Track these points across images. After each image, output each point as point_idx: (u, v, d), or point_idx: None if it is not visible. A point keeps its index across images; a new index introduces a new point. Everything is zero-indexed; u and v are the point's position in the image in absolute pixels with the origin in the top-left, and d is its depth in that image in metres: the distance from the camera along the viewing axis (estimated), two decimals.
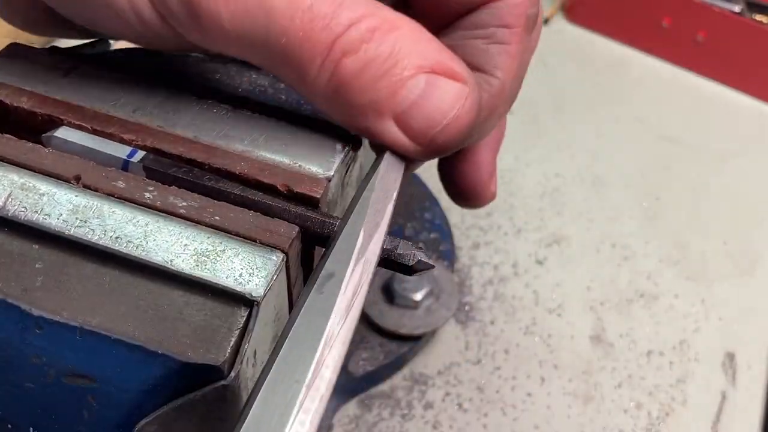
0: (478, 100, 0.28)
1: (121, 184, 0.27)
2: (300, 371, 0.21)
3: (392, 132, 0.27)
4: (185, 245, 0.26)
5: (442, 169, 0.37)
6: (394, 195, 0.26)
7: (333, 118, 0.28)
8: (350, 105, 0.26)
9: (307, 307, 0.23)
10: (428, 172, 0.65)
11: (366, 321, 0.52)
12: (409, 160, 0.28)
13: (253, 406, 0.21)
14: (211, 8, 0.25)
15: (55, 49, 0.32)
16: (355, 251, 0.24)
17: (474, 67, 0.30)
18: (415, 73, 0.26)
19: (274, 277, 0.25)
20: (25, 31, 0.31)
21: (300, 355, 0.22)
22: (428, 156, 0.28)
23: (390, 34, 0.26)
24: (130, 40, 0.28)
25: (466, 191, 0.36)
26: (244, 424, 0.21)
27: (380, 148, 0.28)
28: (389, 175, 0.27)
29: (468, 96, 0.27)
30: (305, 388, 0.21)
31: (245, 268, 0.25)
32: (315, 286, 0.23)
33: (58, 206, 0.26)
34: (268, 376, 0.21)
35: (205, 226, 0.26)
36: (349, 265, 0.24)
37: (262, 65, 0.27)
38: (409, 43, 0.26)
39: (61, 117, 0.29)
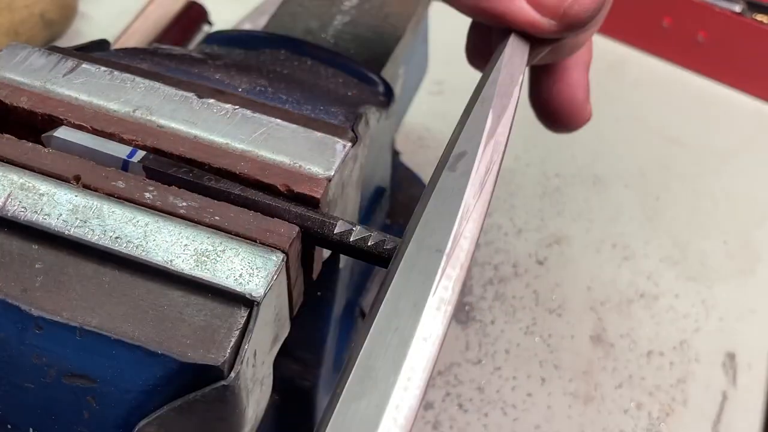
0: None
1: (121, 184, 0.27)
2: (440, 242, 0.21)
3: (524, 10, 0.27)
4: (185, 245, 0.25)
5: (535, 94, 0.36)
6: (521, 78, 0.26)
7: (461, 6, 0.27)
8: None
9: (442, 185, 0.22)
10: (428, 172, 0.65)
11: None
12: (536, 42, 0.28)
13: (396, 275, 0.21)
14: None
15: (56, 49, 0.32)
16: (485, 131, 0.24)
17: None
18: None
19: (274, 278, 0.25)
20: None
21: (439, 227, 0.22)
22: (562, 32, 0.28)
23: None
24: None
25: (564, 114, 0.35)
26: (389, 289, 0.20)
27: (504, 33, 0.27)
28: (514, 58, 0.27)
29: None
30: (446, 257, 0.21)
31: (245, 268, 0.25)
32: (447, 165, 0.23)
33: (58, 206, 0.26)
34: (408, 248, 0.21)
35: (205, 226, 0.26)
36: (480, 144, 0.23)
37: None
38: None
39: (61, 117, 0.29)
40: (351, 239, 0.27)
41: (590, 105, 0.35)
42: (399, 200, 0.58)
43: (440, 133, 0.65)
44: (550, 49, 0.33)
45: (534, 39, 0.28)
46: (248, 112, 0.30)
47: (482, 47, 0.31)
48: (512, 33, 0.27)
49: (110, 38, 0.36)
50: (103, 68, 0.31)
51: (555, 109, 0.35)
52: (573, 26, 0.28)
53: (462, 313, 0.56)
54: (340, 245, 0.27)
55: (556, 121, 0.36)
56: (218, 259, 0.25)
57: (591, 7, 0.27)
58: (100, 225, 0.26)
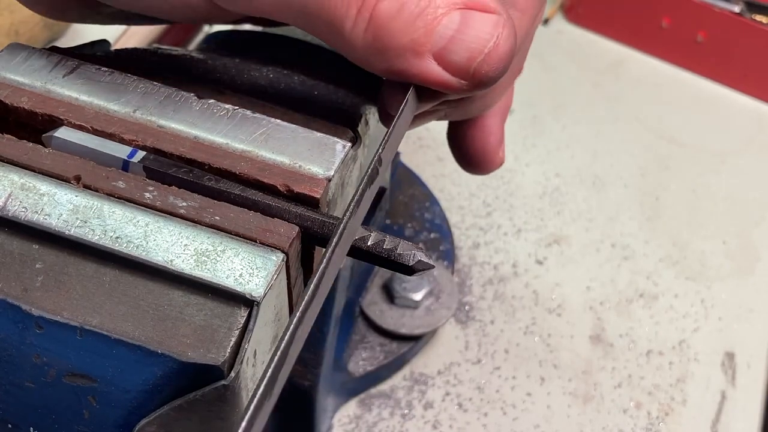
0: (514, 29, 0.28)
1: (121, 184, 0.27)
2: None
3: (434, 70, 0.28)
4: (185, 245, 0.26)
5: (451, 136, 0.37)
6: (405, 131, 0.30)
7: (372, 67, 0.28)
8: (389, 49, 0.27)
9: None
10: (428, 172, 0.65)
11: (366, 321, 0.52)
12: (433, 96, 0.29)
13: None
14: None
15: (56, 49, 0.32)
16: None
17: None
18: (449, 9, 0.27)
19: (274, 277, 0.25)
20: (49, 17, 0.32)
21: None
22: (473, 89, 0.29)
23: None
24: (163, 16, 0.29)
25: (476, 158, 0.37)
26: None
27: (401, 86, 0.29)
28: (409, 110, 0.29)
29: (504, 24, 0.28)
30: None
31: (245, 268, 0.25)
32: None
33: (59, 206, 0.26)
34: None
35: (206, 226, 0.26)
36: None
37: (296, 24, 0.28)
38: None
39: (62, 117, 0.29)
40: None
41: (503, 152, 0.37)
42: (399, 200, 0.58)
43: (440, 133, 0.65)
44: (466, 108, 0.34)
45: (432, 93, 0.29)
46: (248, 112, 0.30)
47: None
48: (411, 87, 0.29)
49: (110, 39, 0.36)
50: (103, 69, 0.31)
51: (468, 153, 0.37)
52: (483, 85, 0.29)
53: (461, 312, 0.56)
54: None
55: (469, 164, 0.37)
56: (218, 259, 0.25)
57: (499, 66, 0.28)
58: (100, 225, 0.26)
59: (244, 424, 0.20)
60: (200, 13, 0.28)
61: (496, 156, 0.36)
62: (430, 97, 0.30)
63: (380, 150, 0.27)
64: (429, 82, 0.28)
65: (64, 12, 0.31)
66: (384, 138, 0.28)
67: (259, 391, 0.20)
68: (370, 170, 0.26)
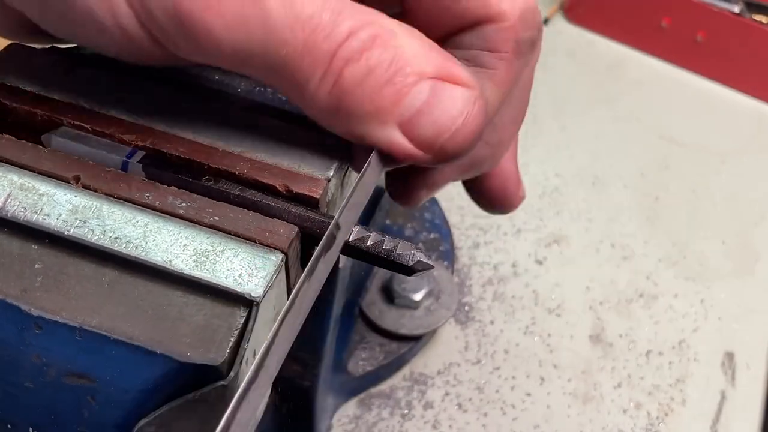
0: (485, 106, 0.27)
1: (120, 184, 0.27)
2: None
3: (398, 140, 0.26)
4: (184, 245, 0.26)
5: (470, 188, 0.37)
6: (372, 188, 0.28)
7: (334, 129, 0.27)
8: (353, 115, 0.26)
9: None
10: None
11: (366, 321, 0.52)
12: (393, 163, 0.28)
13: None
14: (205, 20, 0.24)
15: (55, 50, 0.32)
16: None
17: None
18: (419, 79, 0.26)
19: (274, 278, 0.25)
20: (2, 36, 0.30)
21: None
22: (437, 163, 0.28)
23: (391, 42, 0.25)
24: (112, 55, 0.27)
25: (498, 204, 0.37)
26: None
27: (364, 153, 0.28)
28: (372, 173, 0.27)
29: (476, 101, 0.27)
30: None
31: (245, 268, 0.25)
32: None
33: (58, 206, 0.26)
34: None
35: (205, 226, 0.26)
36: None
37: (257, 78, 0.26)
38: (411, 50, 0.26)
39: (61, 117, 0.29)
40: (350, 239, 0.27)
41: (523, 189, 0.37)
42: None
43: None
44: (476, 169, 0.34)
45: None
46: (248, 113, 0.30)
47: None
48: (374, 151, 0.27)
49: None
50: (103, 69, 0.31)
51: (490, 202, 0.37)
52: (447, 160, 0.27)
53: (461, 313, 0.56)
54: None
55: (491, 208, 0.38)
56: (218, 259, 0.25)
57: (465, 144, 0.27)
58: (99, 225, 0.26)
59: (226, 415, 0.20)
60: (150, 55, 0.26)
61: (516, 197, 0.37)
62: (395, 162, 0.28)
63: (339, 214, 0.26)
64: (392, 151, 0.27)
65: (12, 34, 0.30)
66: (344, 201, 0.26)
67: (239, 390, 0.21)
68: (326, 237, 0.25)
